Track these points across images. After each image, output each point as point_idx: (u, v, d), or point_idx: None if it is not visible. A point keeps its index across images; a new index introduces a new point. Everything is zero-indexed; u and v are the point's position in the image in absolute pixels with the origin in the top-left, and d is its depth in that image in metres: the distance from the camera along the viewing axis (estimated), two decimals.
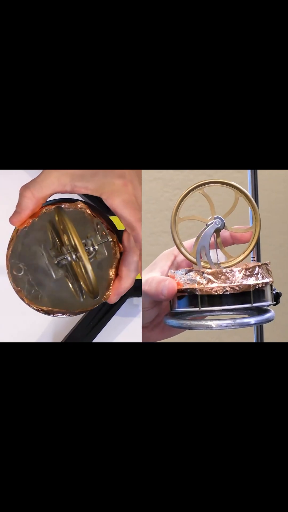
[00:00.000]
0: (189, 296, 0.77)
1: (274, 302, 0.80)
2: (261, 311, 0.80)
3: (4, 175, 1.01)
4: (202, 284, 0.77)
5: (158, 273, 0.81)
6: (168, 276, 0.80)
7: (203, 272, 0.77)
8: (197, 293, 0.77)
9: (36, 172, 0.99)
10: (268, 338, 0.89)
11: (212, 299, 0.77)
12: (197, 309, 0.77)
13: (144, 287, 0.79)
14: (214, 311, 0.77)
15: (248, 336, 0.91)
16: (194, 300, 0.77)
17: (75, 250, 0.81)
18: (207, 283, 0.77)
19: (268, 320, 0.79)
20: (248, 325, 0.77)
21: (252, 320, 0.78)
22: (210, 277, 0.77)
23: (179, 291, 0.78)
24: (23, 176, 1.01)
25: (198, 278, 0.77)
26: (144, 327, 0.83)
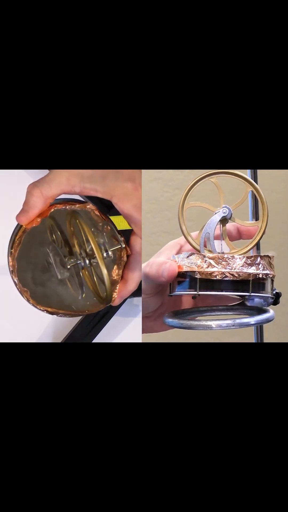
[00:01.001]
0: (189, 280, 0.77)
1: (273, 296, 0.80)
2: (261, 311, 0.80)
3: (4, 175, 1.01)
4: (202, 267, 0.77)
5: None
6: (171, 260, 0.80)
7: (204, 256, 0.77)
8: (196, 276, 0.77)
9: (36, 172, 0.99)
10: (268, 338, 0.89)
11: (211, 283, 0.77)
12: (194, 292, 0.77)
13: (145, 269, 0.79)
14: (212, 295, 0.77)
15: (248, 336, 0.91)
16: (192, 283, 0.77)
17: (89, 256, 0.81)
18: (207, 267, 0.77)
19: (268, 320, 0.79)
20: (248, 325, 0.77)
21: (252, 320, 0.77)
22: (211, 261, 0.77)
23: (179, 274, 0.78)
24: (23, 176, 1.01)
25: (199, 261, 0.77)
26: (147, 317, 0.83)
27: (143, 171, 0.82)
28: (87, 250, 0.81)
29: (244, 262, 0.77)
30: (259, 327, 0.88)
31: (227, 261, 0.77)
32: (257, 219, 0.82)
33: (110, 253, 0.81)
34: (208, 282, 0.77)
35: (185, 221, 0.80)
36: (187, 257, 0.78)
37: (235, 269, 0.77)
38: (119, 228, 0.87)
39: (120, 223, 0.91)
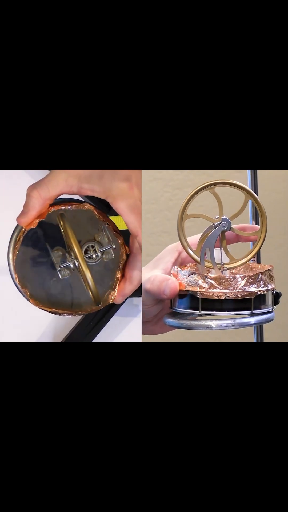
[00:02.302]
0: (190, 298, 0.78)
1: (274, 308, 0.80)
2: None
3: (4, 175, 1.01)
4: (204, 288, 0.77)
5: (161, 270, 0.81)
6: (171, 273, 0.80)
7: (205, 276, 0.77)
8: (198, 296, 0.77)
9: (36, 172, 0.99)
10: (268, 338, 0.89)
11: (213, 303, 0.77)
12: (197, 312, 0.77)
13: (146, 285, 0.80)
14: (214, 315, 0.78)
15: (248, 336, 0.91)
16: (195, 302, 0.77)
17: (77, 258, 0.81)
18: (209, 288, 0.77)
19: (268, 320, 0.79)
20: (248, 325, 0.77)
21: (252, 320, 0.78)
22: (213, 282, 0.77)
23: (180, 291, 0.78)
24: (23, 176, 1.01)
25: (200, 281, 0.77)
26: (147, 322, 0.83)
27: (143, 171, 0.82)
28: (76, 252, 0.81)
29: (246, 281, 0.77)
30: (259, 327, 0.88)
31: (228, 282, 0.77)
32: (256, 223, 0.82)
33: (99, 254, 0.82)
34: (210, 302, 0.77)
35: (185, 234, 0.80)
36: (189, 275, 0.78)
37: (237, 289, 0.77)
38: (120, 228, 0.87)
39: (120, 222, 0.91)
